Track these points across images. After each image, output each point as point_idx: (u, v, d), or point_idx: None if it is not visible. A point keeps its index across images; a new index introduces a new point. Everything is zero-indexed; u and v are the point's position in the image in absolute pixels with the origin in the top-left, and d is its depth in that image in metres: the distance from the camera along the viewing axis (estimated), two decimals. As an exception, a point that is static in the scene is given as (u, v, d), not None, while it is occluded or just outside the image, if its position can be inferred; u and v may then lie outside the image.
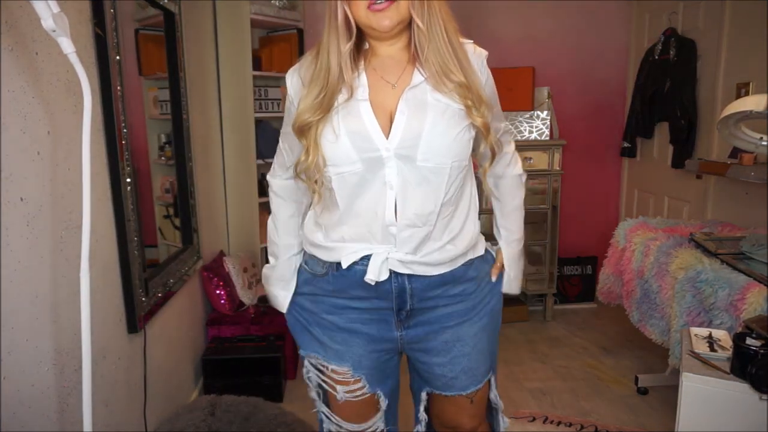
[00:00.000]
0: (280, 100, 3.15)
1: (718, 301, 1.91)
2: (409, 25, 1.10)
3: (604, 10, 3.62)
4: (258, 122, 3.04)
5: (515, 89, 3.40)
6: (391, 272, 1.13)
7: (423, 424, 1.34)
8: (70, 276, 1.35)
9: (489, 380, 1.31)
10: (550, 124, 3.34)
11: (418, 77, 1.10)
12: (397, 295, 1.16)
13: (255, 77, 2.96)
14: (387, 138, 1.08)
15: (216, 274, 2.67)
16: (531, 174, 3.36)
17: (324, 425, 1.32)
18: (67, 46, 1.03)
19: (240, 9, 2.84)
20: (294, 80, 1.16)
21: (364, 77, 1.11)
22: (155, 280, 1.88)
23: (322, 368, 1.25)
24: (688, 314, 2.04)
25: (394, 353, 1.27)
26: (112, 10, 1.55)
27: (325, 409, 1.29)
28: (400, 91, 1.09)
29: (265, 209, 3.21)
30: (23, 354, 1.17)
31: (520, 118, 3.31)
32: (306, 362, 1.28)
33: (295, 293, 1.28)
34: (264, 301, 2.82)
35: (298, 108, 1.10)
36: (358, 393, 1.23)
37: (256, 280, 2.93)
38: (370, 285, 1.13)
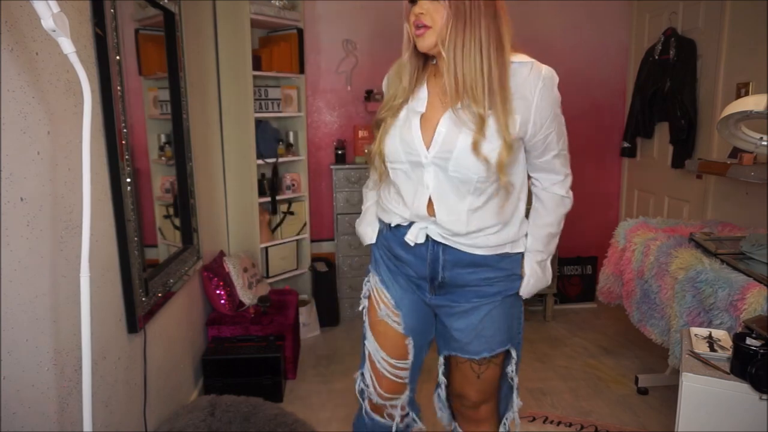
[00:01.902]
0: (280, 100, 3.15)
1: (718, 301, 1.91)
2: None
3: (604, 10, 3.62)
4: (258, 122, 3.04)
5: (515, 89, 3.39)
6: (429, 239, 1.32)
7: (442, 387, 1.50)
8: (70, 276, 1.35)
9: (500, 361, 1.43)
10: (550, 124, 3.34)
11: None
12: (431, 261, 1.33)
13: (255, 77, 2.97)
14: (428, 148, 1.25)
15: (216, 274, 2.67)
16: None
17: (365, 343, 1.48)
18: (67, 46, 1.03)
19: (240, 9, 2.84)
20: (384, 82, 1.41)
21: (425, 90, 1.29)
22: (155, 280, 1.88)
23: (374, 288, 1.46)
24: (688, 314, 2.04)
25: (428, 309, 1.43)
26: (112, 10, 1.55)
27: (368, 331, 1.47)
28: (447, 108, 1.23)
29: (265, 209, 3.23)
30: (23, 354, 1.17)
31: (520, 118, 3.30)
32: (366, 279, 1.50)
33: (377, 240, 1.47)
34: (264, 301, 2.83)
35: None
36: (394, 321, 1.41)
37: (256, 280, 2.93)
38: (409, 246, 1.34)
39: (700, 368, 1.44)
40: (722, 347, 1.52)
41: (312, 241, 3.46)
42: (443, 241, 1.31)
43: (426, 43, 1.21)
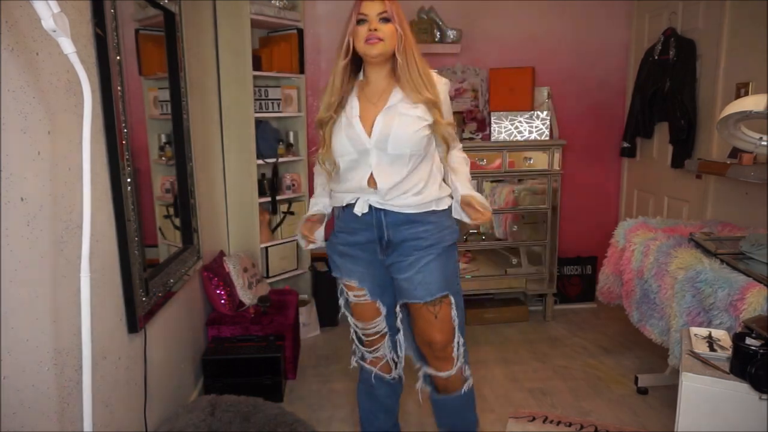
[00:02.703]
0: (280, 100, 3.15)
1: (718, 301, 1.91)
2: (390, 58, 1.67)
3: (604, 10, 3.63)
4: (258, 122, 3.04)
5: (515, 89, 3.40)
6: (372, 208, 1.71)
7: (400, 333, 1.87)
8: (70, 276, 1.35)
9: (449, 303, 1.76)
10: (550, 124, 3.34)
11: (394, 98, 1.67)
12: (377, 224, 1.72)
13: (255, 77, 2.96)
14: (369, 137, 1.67)
15: (216, 274, 2.67)
16: (531, 174, 3.36)
17: (351, 329, 1.91)
18: (67, 46, 1.03)
19: (240, 9, 2.84)
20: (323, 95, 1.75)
21: (356, 100, 1.70)
22: (155, 280, 1.88)
23: (344, 288, 1.85)
24: (687, 314, 2.04)
25: (384, 272, 1.80)
26: (112, 10, 1.55)
27: (348, 313, 1.88)
28: (380, 108, 1.67)
29: (265, 209, 3.23)
30: (23, 354, 1.17)
31: (520, 118, 3.31)
32: (339, 289, 1.89)
33: (331, 236, 1.87)
34: (264, 301, 2.83)
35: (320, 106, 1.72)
36: (362, 298, 1.81)
37: (256, 280, 2.93)
38: (359, 217, 1.72)
39: (700, 368, 1.44)
40: (722, 347, 1.52)
41: (312, 241, 3.46)
42: (382, 207, 1.70)
43: (379, 49, 1.62)
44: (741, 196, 2.73)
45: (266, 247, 3.17)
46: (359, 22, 1.63)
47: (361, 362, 1.93)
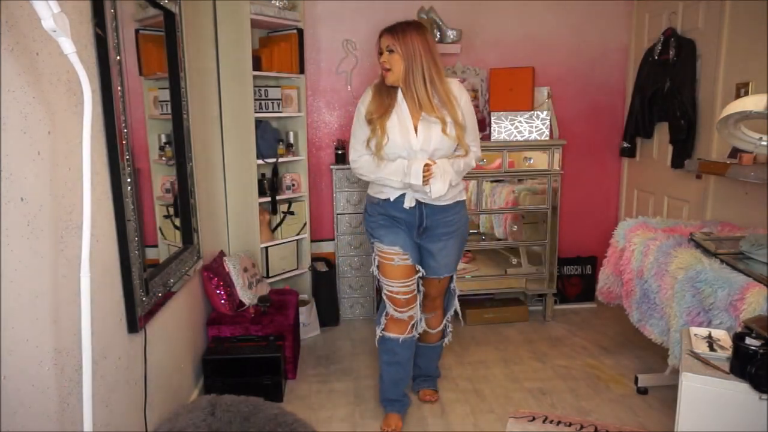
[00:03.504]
0: (280, 100, 3.15)
1: (718, 301, 1.91)
2: None
3: (604, 10, 3.63)
4: (258, 122, 3.04)
5: (515, 89, 3.40)
6: (417, 202, 2.16)
7: (421, 293, 2.34)
8: (70, 276, 1.35)
9: (453, 273, 2.36)
10: (550, 124, 3.34)
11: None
12: (418, 215, 2.18)
13: (255, 77, 2.96)
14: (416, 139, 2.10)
15: (216, 274, 2.67)
16: (531, 174, 3.37)
17: (383, 289, 2.28)
18: (67, 46, 1.03)
19: (240, 9, 2.84)
20: (366, 96, 2.20)
21: (405, 106, 2.10)
22: (155, 280, 1.88)
23: (383, 251, 2.22)
24: (687, 314, 2.04)
25: (416, 244, 2.24)
26: (112, 10, 1.55)
27: (384, 279, 2.25)
28: (418, 116, 2.09)
29: (265, 209, 3.23)
30: (23, 354, 1.17)
31: (520, 118, 3.31)
32: (374, 253, 2.28)
33: (367, 215, 2.30)
34: (264, 301, 2.83)
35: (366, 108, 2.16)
36: (405, 260, 2.20)
37: (256, 280, 2.93)
38: (401, 207, 2.17)
39: (700, 368, 1.44)
40: (722, 347, 1.52)
41: (312, 241, 3.46)
42: (424, 201, 2.16)
43: (390, 80, 2.09)
44: (741, 196, 2.73)
45: (266, 247, 3.17)
46: (380, 53, 2.09)
47: (386, 333, 2.29)
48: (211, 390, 2.36)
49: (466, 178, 3.30)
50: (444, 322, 2.45)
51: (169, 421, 1.82)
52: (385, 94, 2.12)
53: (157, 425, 1.89)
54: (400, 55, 2.02)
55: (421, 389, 2.55)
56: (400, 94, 2.10)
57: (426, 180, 2.04)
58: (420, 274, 2.26)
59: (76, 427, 1.35)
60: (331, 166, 3.40)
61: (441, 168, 2.05)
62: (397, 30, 2.04)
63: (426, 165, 2.04)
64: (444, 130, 2.05)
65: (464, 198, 2.28)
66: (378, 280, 2.29)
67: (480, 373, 2.79)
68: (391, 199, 2.17)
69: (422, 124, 2.07)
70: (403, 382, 2.37)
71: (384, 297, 2.27)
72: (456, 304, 2.45)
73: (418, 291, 2.30)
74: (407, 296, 2.23)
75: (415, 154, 2.07)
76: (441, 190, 2.05)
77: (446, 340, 2.50)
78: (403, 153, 2.08)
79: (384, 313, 2.29)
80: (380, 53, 2.08)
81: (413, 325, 2.28)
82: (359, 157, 2.19)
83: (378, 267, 2.25)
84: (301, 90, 3.26)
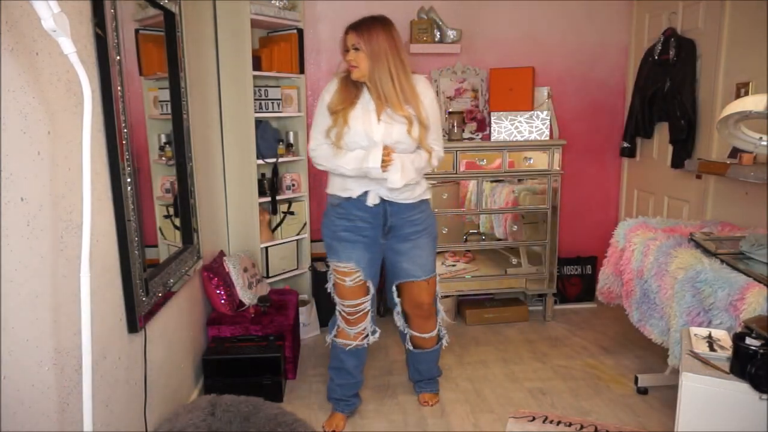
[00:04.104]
0: (280, 100, 3.15)
1: (718, 301, 1.91)
2: None
3: (604, 10, 3.62)
4: (258, 122, 3.04)
5: (515, 89, 3.40)
6: (380, 199, 2.12)
7: (398, 306, 2.37)
8: (70, 276, 1.35)
9: (435, 277, 2.31)
10: (550, 124, 3.34)
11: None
12: (382, 213, 2.14)
13: (255, 77, 2.96)
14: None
15: (216, 274, 2.67)
16: (531, 174, 3.36)
17: (337, 309, 2.29)
18: (67, 46, 1.04)
19: (240, 9, 2.84)
20: (331, 87, 2.15)
21: (371, 98, 2.08)
22: (155, 280, 1.88)
23: (336, 269, 2.21)
24: (687, 314, 2.04)
25: (379, 256, 2.25)
26: (112, 10, 1.55)
27: (336, 296, 2.26)
28: (382, 109, 2.06)
29: (265, 209, 3.23)
30: (23, 354, 1.17)
31: (520, 118, 3.31)
32: (329, 272, 2.27)
33: (326, 219, 2.24)
34: (264, 301, 2.83)
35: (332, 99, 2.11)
36: (356, 279, 2.18)
37: (256, 280, 2.93)
38: (364, 206, 2.12)
39: (700, 368, 1.44)
40: (722, 347, 1.52)
41: (312, 241, 3.45)
42: (389, 199, 2.12)
43: (355, 76, 2.06)
44: (741, 196, 2.73)
45: (266, 247, 3.17)
46: (346, 51, 2.07)
47: (335, 339, 2.33)
48: (211, 390, 2.36)
49: (467, 177, 3.32)
50: (438, 325, 2.42)
51: (169, 421, 1.82)
52: (351, 85, 2.09)
53: (157, 425, 1.89)
54: (365, 53, 2.00)
55: (421, 393, 2.53)
56: (365, 88, 2.09)
57: (384, 166, 2.01)
58: (371, 295, 2.23)
59: (76, 427, 1.35)
60: (331, 166, 3.39)
61: (400, 160, 2.04)
62: (362, 27, 2.02)
63: (386, 150, 2.01)
64: (409, 131, 2.03)
65: (429, 197, 2.25)
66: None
67: (480, 373, 2.79)
68: (354, 197, 2.12)
69: (386, 118, 2.05)
70: (350, 387, 2.38)
71: (336, 312, 2.29)
72: (441, 309, 2.43)
73: (395, 304, 2.34)
74: (357, 315, 2.24)
75: (375, 146, 2.04)
76: (397, 182, 2.03)
77: (444, 341, 2.47)
78: (363, 144, 2.05)
79: (336, 326, 2.32)
80: (346, 51, 2.06)
81: (365, 336, 2.29)
82: (318, 146, 2.16)
83: (333, 285, 2.26)
84: (301, 90, 3.26)
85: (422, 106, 2.06)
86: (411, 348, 2.43)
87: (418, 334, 2.38)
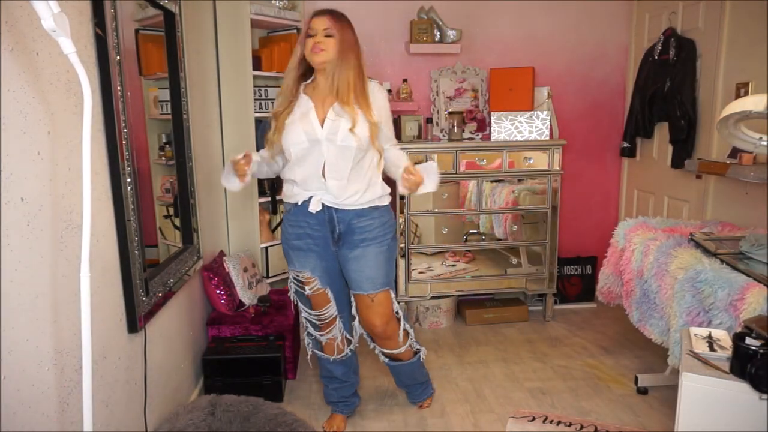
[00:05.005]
0: (280, 100, 3.15)
1: (718, 301, 1.91)
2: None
3: (604, 10, 3.62)
4: (258, 122, 3.04)
5: (515, 89, 3.40)
6: (324, 206, 2.03)
7: (357, 318, 2.24)
8: (70, 276, 1.35)
9: (389, 293, 2.15)
10: (550, 124, 3.34)
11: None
12: (329, 220, 2.05)
13: (255, 77, 2.96)
14: (321, 128, 1.97)
15: (216, 274, 2.67)
16: (531, 174, 3.36)
17: (302, 315, 2.24)
18: (67, 46, 1.03)
19: (240, 9, 2.84)
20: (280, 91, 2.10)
21: (308, 99, 2.01)
22: (155, 280, 1.88)
23: (295, 279, 2.16)
24: (687, 314, 2.04)
25: (335, 264, 2.14)
26: (112, 10, 1.55)
27: (300, 304, 2.22)
28: (328, 107, 1.99)
29: (265, 209, 3.23)
30: (23, 354, 1.17)
31: (520, 118, 3.31)
32: (289, 281, 2.21)
33: (283, 225, 2.16)
34: (264, 301, 2.83)
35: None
36: (314, 288, 2.13)
37: (256, 280, 2.93)
38: (311, 213, 2.03)
39: (700, 368, 1.44)
40: (722, 347, 1.52)
41: (312, 241, 3.45)
42: (334, 206, 2.03)
43: (320, 58, 1.94)
44: (741, 196, 2.73)
45: (266, 247, 3.17)
46: (309, 35, 1.96)
47: (317, 351, 2.27)
48: (211, 390, 2.36)
49: (467, 177, 3.32)
50: (409, 339, 2.27)
51: (169, 421, 1.82)
52: (294, 84, 2.03)
53: (157, 425, 1.89)
54: (336, 41, 1.93)
55: (414, 403, 2.48)
56: (303, 87, 2.03)
57: (413, 185, 1.95)
58: (332, 303, 2.17)
59: (76, 427, 1.35)
60: (331, 166, 3.39)
61: (430, 167, 2.00)
62: (337, 16, 1.97)
63: (408, 170, 1.95)
64: (352, 129, 1.94)
65: (385, 204, 2.11)
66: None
67: (480, 373, 2.79)
68: (299, 203, 2.05)
69: (332, 115, 1.96)
70: (345, 389, 2.34)
71: (303, 319, 2.24)
72: (406, 326, 2.25)
73: (354, 317, 2.25)
74: (323, 322, 2.19)
75: (319, 144, 1.96)
76: (430, 186, 1.98)
77: (421, 354, 2.35)
78: (305, 144, 1.96)
79: (307, 333, 2.27)
80: (311, 35, 1.94)
81: (346, 341, 2.25)
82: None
83: (294, 293, 2.21)
84: (301, 90, 3.26)
85: (373, 108, 2.00)
86: (385, 360, 2.32)
87: (383, 350, 2.29)
